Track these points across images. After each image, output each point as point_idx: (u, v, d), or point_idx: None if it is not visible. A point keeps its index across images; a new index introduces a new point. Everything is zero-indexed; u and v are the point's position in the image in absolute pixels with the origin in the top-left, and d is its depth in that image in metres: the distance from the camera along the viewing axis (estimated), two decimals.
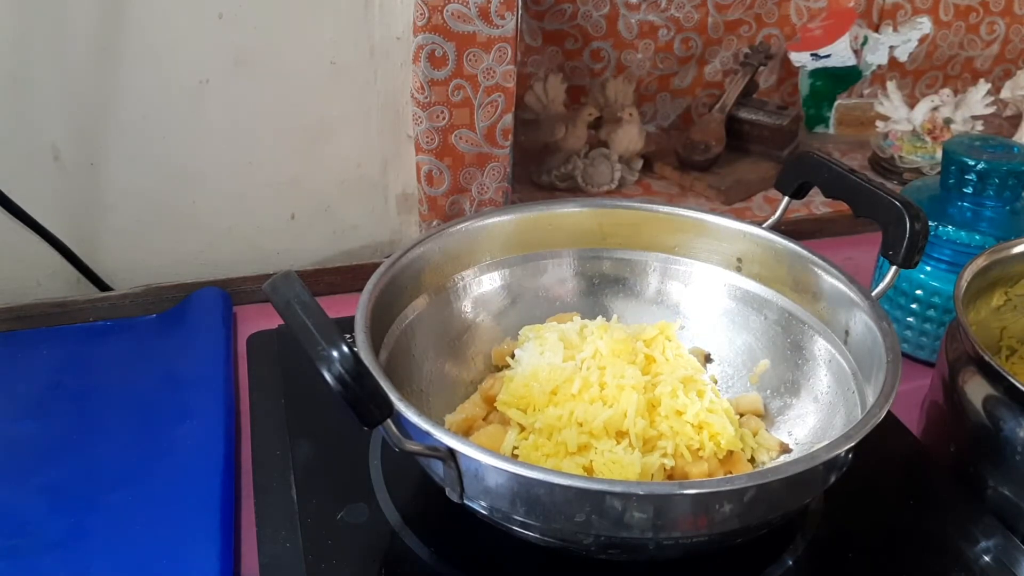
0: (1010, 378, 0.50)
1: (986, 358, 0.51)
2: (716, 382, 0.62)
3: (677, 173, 0.98)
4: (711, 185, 0.95)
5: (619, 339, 0.56)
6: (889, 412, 0.45)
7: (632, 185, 0.97)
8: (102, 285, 0.76)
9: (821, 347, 0.58)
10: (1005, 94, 1.08)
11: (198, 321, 0.69)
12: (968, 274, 0.57)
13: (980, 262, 0.59)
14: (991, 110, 1.01)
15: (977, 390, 0.54)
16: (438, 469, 0.44)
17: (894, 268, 0.53)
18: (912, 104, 1.02)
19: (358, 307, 0.51)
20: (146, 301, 0.73)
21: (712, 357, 0.63)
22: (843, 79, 1.06)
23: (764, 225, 0.62)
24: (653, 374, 0.56)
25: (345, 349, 0.37)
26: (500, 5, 0.71)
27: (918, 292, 0.67)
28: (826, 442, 0.44)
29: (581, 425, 0.51)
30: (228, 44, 0.70)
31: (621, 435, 0.51)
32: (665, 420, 0.52)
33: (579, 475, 0.48)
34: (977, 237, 0.64)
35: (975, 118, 1.01)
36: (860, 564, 0.51)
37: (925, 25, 1.03)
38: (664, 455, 0.51)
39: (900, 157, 1.00)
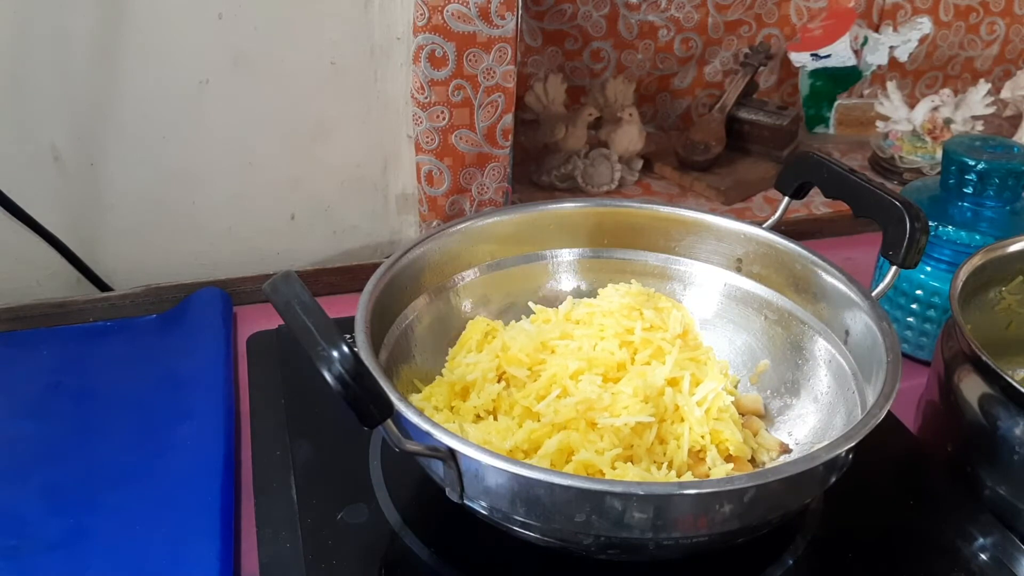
0: (1006, 377, 0.50)
1: (983, 357, 0.51)
2: (727, 373, 0.61)
3: (677, 173, 0.98)
4: (711, 185, 0.95)
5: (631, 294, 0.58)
6: (889, 412, 0.45)
7: (632, 185, 0.97)
8: (102, 285, 0.76)
9: (821, 347, 0.58)
10: (1005, 94, 1.08)
11: (198, 321, 0.69)
12: (964, 273, 0.57)
13: (976, 261, 0.59)
14: (991, 110, 1.01)
15: (973, 388, 0.54)
16: (438, 469, 0.44)
17: (894, 268, 0.53)
18: (912, 104, 1.02)
19: (358, 307, 0.52)
20: (146, 301, 0.73)
21: None
22: (843, 79, 1.06)
23: (764, 225, 0.62)
24: (656, 349, 0.56)
25: (345, 349, 0.37)
26: (500, 5, 0.71)
27: (918, 292, 0.67)
28: (826, 442, 0.44)
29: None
30: (228, 44, 0.70)
31: (627, 451, 0.51)
32: (672, 427, 0.52)
33: (579, 475, 0.48)
34: (977, 237, 0.64)
35: (975, 118, 1.01)
36: (860, 564, 0.51)
37: (925, 25, 1.03)
38: (670, 466, 0.51)
39: (900, 157, 1.00)
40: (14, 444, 0.57)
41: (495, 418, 0.54)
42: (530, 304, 0.63)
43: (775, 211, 0.62)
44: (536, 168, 0.96)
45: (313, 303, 0.40)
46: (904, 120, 1.01)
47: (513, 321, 0.63)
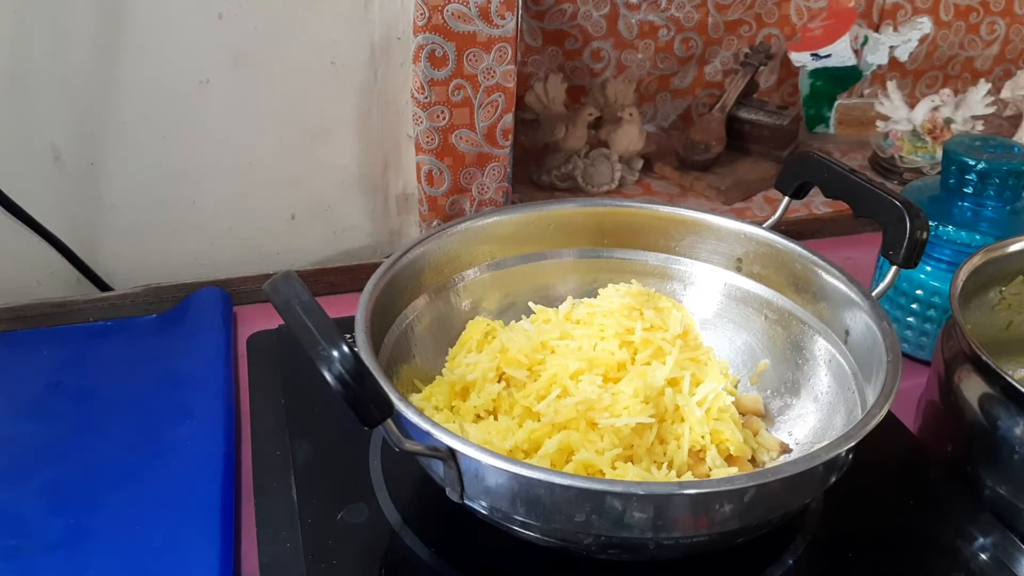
0: (1006, 377, 0.50)
1: (983, 357, 0.51)
2: (727, 373, 0.60)
3: (677, 173, 0.98)
4: (711, 185, 0.95)
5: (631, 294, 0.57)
6: (889, 412, 0.45)
7: (632, 185, 0.97)
8: (102, 285, 0.76)
9: (821, 347, 0.58)
10: (1005, 94, 1.08)
11: (198, 321, 0.69)
12: (964, 273, 0.57)
13: (976, 260, 0.59)
14: (991, 110, 1.01)
15: (973, 388, 0.54)
16: (438, 469, 0.44)
17: (894, 268, 0.53)
18: (912, 104, 1.02)
19: (358, 307, 0.52)
20: (146, 301, 0.73)
21: None
22: (843, 79, 1.06)
23: (764, 225, 0.62)
24: (656, 349, 0.56)
25: (345, 349, 0.37)
26: (500, 5, 0.71)
27: (918, 292, 0.67)
28: (826, 442, 0.44)
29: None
30: (228, 44, 0.70)
31: (627, 451, 0.51)
32: (673, 427, 0.52)
33: (579, 475, 0.48)
34: (977, 237, 0.64)
35: (975, 118, 1.01)
36: (860, 564, 0.51)
37: (925, 25, 1.03)
38: (670, 466, 0.51)
39: (900, 157, 1.00)
40: (14, 444, 0.57)
41: (495, 418, 0.54)
42: (530, 304, 0.63)
43: (775, 211, 0.62)
44: (536, 168, 0.96)
45: (313, 303, 0.40)
46: (904, 120, 1.01)
47: (513, 321, 0.63)
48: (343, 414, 0.38)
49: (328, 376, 0.37)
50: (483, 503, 0.44)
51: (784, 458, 0.55)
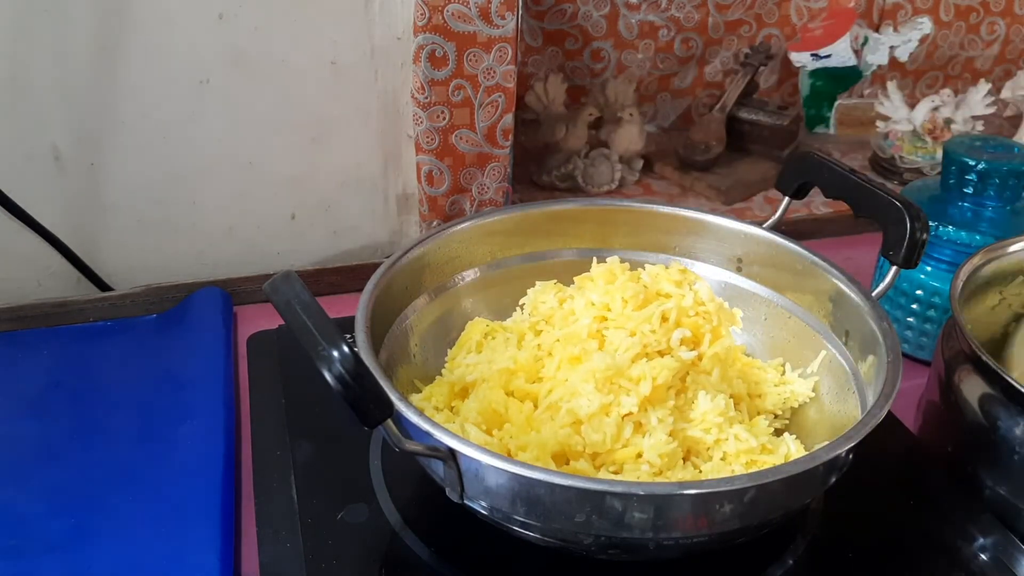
0: (1007, 377, 0.50)
1: (983, 357, 0.51)
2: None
3: (677, 173, 0.98)
4: (711, 185, 0.95)
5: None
6: (889, 412, 0.45)
7: (632, 185, 0.97)
8: (102, 285, 0.76)
9: (821, 347, 0.58)
10: (1005, 94, 1.08)
11: (198, 321, 0.69)
12: (964, 273, 0.57)
13: (976, 261, 0.59)
14: (991, 110, 1.01)
15: (973, 388, 0.54)
16: (438, 469, 0.44)
17: (894, 268, 0.53)
18: (912, 104, 1.02)
19: (358, 307, 0.52)
20: (146, 301, 0.73)
21: None
22: (843, 79, 1.06)
23: (764, 225, 0.62)
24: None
25: (345, 349, 0.37)
26: (500, 5, 0.71)
27: (918, 292, 0.67)
28: (826, 442, 0.44)
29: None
30: (228, 44, 0.70)
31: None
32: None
33: (579, 475, 0.48)
34: (978, 237, 0.64)
35: (975, 118, 1.01)
36: (860, 564, 0.51)
37: (925, 25, 1.03)
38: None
39: (900, 157, 1.00)
40: (14, 444, 0.57)
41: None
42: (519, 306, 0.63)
43: (775, 211, 0.62)
44: (536, 168, 0.96)
45: (313, 303, 0.40)
46: (904, 120, 1.01)
47: (510, 322, 0.63)
48: (343, 414, 0.38)
49: (328, 376, 0.37)
50: (483, 503, 0.44)
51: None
